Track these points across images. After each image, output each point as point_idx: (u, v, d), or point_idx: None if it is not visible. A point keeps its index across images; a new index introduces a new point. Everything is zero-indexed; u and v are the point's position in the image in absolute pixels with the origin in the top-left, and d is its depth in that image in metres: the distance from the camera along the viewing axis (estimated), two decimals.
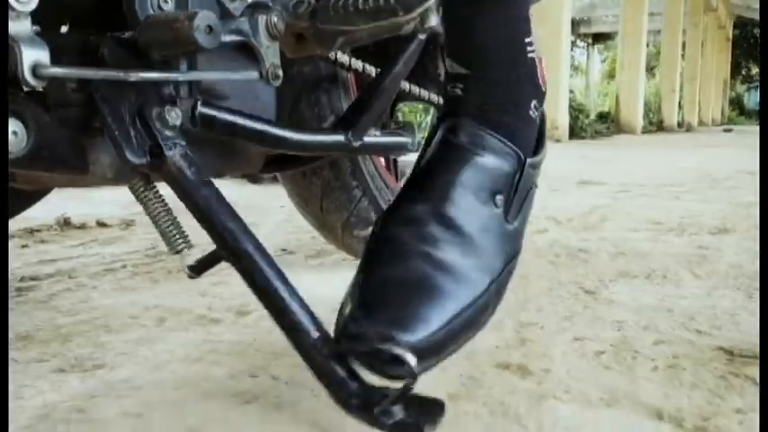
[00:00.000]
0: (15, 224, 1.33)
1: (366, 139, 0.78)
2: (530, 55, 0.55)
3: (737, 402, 0.55)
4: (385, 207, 0.97)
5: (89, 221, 1.44)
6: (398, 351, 0.42)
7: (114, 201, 1.77)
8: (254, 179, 2.23)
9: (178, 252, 0.53)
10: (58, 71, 0.44)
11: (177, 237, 0.53)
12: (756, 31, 14.37)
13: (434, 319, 0.45)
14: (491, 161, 0.52)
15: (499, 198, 0.51)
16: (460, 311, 0.46)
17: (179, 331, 0.74)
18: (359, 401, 0.44)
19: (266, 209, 1.71)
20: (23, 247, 1.22)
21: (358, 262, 1.12)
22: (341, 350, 0.45)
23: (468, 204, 0.50)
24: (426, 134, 0.56)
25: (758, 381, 0.58)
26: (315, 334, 0.47)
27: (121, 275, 1.00)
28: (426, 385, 0.47)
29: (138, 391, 0.58)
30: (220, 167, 0.78)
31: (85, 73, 0.47)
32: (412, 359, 0.41)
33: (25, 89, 0.43)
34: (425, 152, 0.55)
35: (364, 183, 0.93)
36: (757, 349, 0.66)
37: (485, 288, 0.48)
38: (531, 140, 0.56)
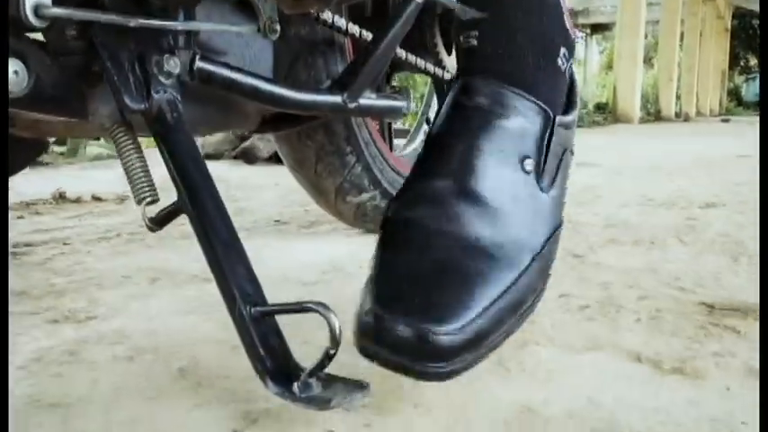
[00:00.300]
0: (11, 198, 1.34)
1: (361, 101, 0.79)
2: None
3: (715, 347, 0.56)
4: (378, 174, 0.98)
5: (84, 196, 1.45)
6: (435, 344, 0.35)
7: (110, 179, 1.78)
8: (249, 160, 2.24)
9: (141, 202, 0.52)
10: (59, 12, 0.45)
11: (145, 187, 0.52)
12: (755, 21, 14.35)
13: (472, 306, 0.38)
14: (515, 121, 0.45)
15: (528, 162, 0.45)
16: (501, 295, 0.39)
17: (171, 289, 0.75)
18: (281, 375, 0.42)
19: (261, 186, 1.71)
20: (19, 218, 1.23)
21: (351, 230, 1.12)
22: (366, 353, 0.38)
23: (494, 173, 0.44)
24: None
25: (737, 330, 0.60)
26: (250, 303, 0.44)
27: (116, 242, 1.01)
28: None
29: (129, 338, 0.59)
30: (219, 122, 0.78)
31: (87, 15, 0.47)
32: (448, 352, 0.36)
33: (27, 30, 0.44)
34: (437, 120, 0.49)
35: (358, 149, 0.94)
36: (738, 303, 0.68)
37: (526, 266, 0.41)
38: (561, 96, 0.49)
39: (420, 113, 1.31)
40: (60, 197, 1.42)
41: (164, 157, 0.50)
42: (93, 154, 2.44)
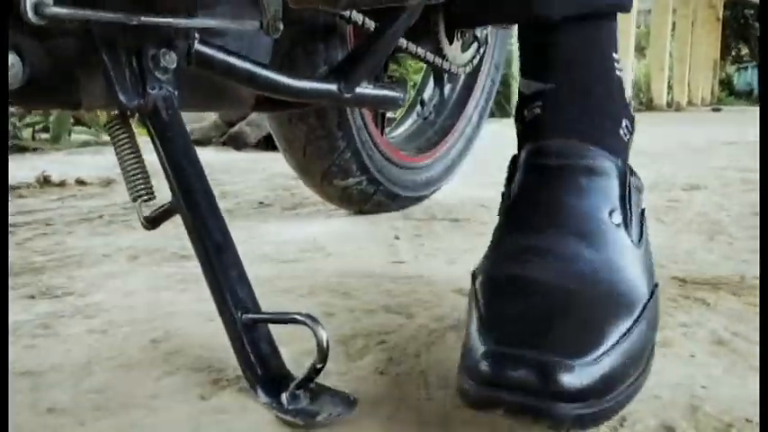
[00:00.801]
0: None
1: (358, 90, 0.79)
2: (617, 72, 0.50)
3: (684, 318, 0.57)
4: (367, 160, 0.97)
5: (69, 179, 1.44)
6: (564, 377, 0.32)
7: (96, 164, 1.78)
8: (237, 146, 2.24)
9: (137, 200, 0.51)
10: (60, 11, 0.44)
11: (141, 185, 0.51)
12: (747, 11, 14.37)
13: (599, 343, 0.35)
14: (598, 175, 0.45)
15: (616, 215, 0.44)
16: (623, 336, 0.36)
17: (150, 266, 0.75)
18: (270, 384, 0.42)
19: (247, 170, 1.71)
20: None
21: (334, 210, 1.12)
22: (483, 402, 0.34)
23: (590, 224, 0.43)
24: (507, 172, 0.49)
25: (707, 302, 0.61)
26: (242, 309, 0.44)
27: (97, 223, 1.01)
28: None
29: (105, 312, 0.59)
30: (215, 102, 0.78)
31: (87, 14, 0.46)
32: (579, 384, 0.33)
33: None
34: (511, 188, 0.47)
35: (349, 135, 0.94)
36: (710, 277, 0.68)
37: (639, 313, 0.39)
38: (626, 161, 0.48)
39: (414, 93, 1.30)
40: (44, 181, 1.42)
41: (158, 154, 0.49)
42: (80, 140, 2.43)
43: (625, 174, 0.46)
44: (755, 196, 1.25)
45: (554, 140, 0.47)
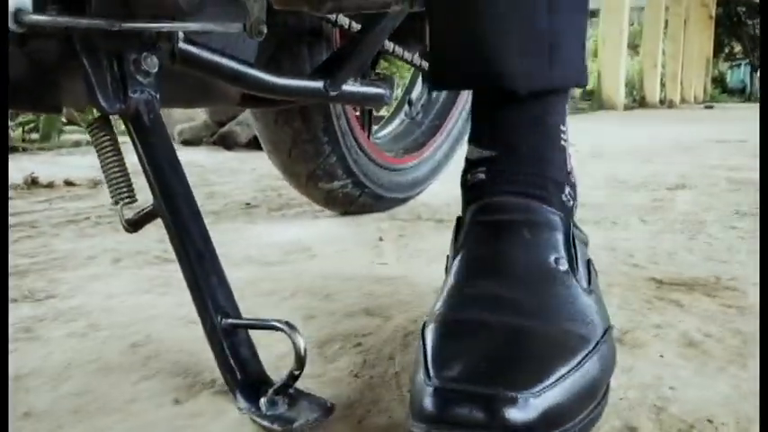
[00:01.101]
0: None
1: (344, 87, 0.79)
2: (562, 143, 0.51)
3: (657, 320, 0.58)
4: (353, 164, 0.98)
5: (57, 181, 1.44)
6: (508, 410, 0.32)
7: (85, 165, 1.78)
8: (227, 145, 2.24)
9: (118, 202, 0.51)
10: (40, 18, 0.44)
11: (123, 187, 0.51)
12: (739, 9, 14.41)
13: (543, 377, 0.35)
14: (539, 228, 0.46)
15: (562, 262, 0.44)
16: (569, 372, 0.36)
17: (133, 269, 0.76)
18: (249, 390, 0.42)
19: (237, 170, 1.72)
20: None
21: (321, 211, 1.12)
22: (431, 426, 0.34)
23: (534, 273, 0.43)
24: (451, 241, 0.50)
25: (681, 304, 0.62)
26: (222, 314, 0.44)
27: (83, 225, 1.02)
28: None
29: (86, 316, 0.60)
30: (200, 98, 0.78)
31: (68, 21, 0.46)
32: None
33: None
34: (457, 245, 0.48)
35: (335, 139, 0.94)
36: (686, 278, 0.69)
37: (590, 349, 0.38)
38: (569, 222, 0.49)
39: (402, 93, 1.31)
40: (32, 182, 1.42)
41: (140, 159, 0.49)
42: (71, 140, 2.42)
43: (569, 226, 0.47)
44: (740, 196, 1.26)
45: (496, 198, 0.48)
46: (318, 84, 0.77)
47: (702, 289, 0.66)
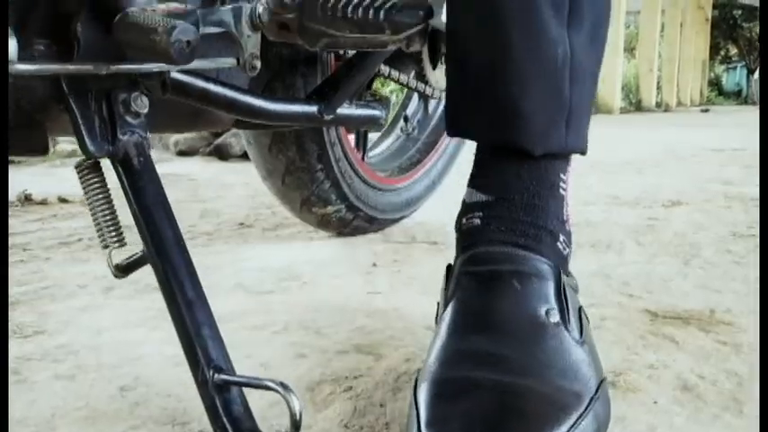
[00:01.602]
0: None
1: (338, 111, 0.78)
2: (560, 191, 0.51)
3: (651, 358, 0.57)
4: (346, 189, 0.97)
5: (50, 197, 1.44)
6: None
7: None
8: (222, 156, 2.23)
9: (107, 247, 0.50)
10: (26, 68, 0.43)
11: (111, 231, 0.50)
12: (735, 12, 14.45)
13: None
14: (528, 278, 0.45)
15: (553, 314, 0.44)
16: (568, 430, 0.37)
17: (125, 300, 0.75)
18: None
19: (231, 184, 1.71)
20: None
21: (315, 232, 1.10)
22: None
23: (525, 327, 0.43)
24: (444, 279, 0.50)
25: (676, 340, 0.61)
26: (214, 368, 0.43)
27: (76, 248, 1.01)
28: None
29: (74, 355, 0.59)
30: (192, 123, 0.77)
31: (55, 68, 0.45)
32: None
33: None
34: (447, 295, 0.48)
35: (328, 166, 0.94)
36: (681, 311, 0.69)
37: (585, 406, 0.38)
38: (563, 269, 0.48)
39: (398, 108, 1.30)
40: (26, 199, 1.41)
41: (129, 202, 0.48)
42: (66, 151, 2.41)
43: (559, 275, 0.46)
44: (736, 214, 1.26)
45: (487, 248, 0.47)
46: (313, 108, 0.76)
47: (697, 323, 0.65)
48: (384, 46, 0.54)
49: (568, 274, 0.50)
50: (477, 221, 0.49)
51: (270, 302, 0.74)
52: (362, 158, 1.04)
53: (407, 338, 0.62)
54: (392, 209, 1.09)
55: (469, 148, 1.27)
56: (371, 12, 0.52)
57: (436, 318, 0.48)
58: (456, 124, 0.54)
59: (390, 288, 0.79)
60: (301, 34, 0.57)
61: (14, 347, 0.61)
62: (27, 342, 0.62)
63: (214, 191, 1.62)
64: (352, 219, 1.01)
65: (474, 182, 0.52)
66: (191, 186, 1.72)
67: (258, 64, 0.56)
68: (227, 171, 2.00)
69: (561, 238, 0.49)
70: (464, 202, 0.52)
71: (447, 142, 1.25)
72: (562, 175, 0.51)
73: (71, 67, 0.46)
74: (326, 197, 0.95)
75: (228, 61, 0.57)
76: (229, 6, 0.53)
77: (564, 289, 0.46)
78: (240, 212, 1.30)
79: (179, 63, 0.43)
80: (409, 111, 1.28)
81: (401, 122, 1.27)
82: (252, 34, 0.55)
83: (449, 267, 0.50)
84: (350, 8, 0.53)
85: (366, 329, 0.65)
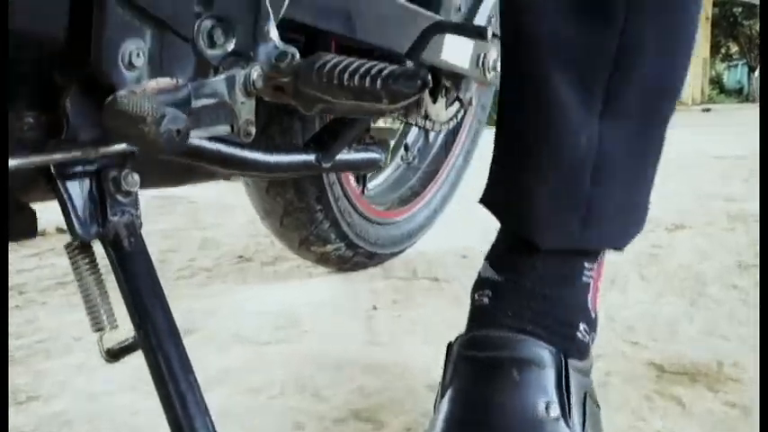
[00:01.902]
0: None
1: (336, 157, 0.77)
2: (584, 279, 0.49)
3: (658, 425, 0.56)
4: (346, 228, 0.95)
5: (49, 228, 1.43)
6: None
7: None
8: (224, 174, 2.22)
9: (98, 330, 0.48)
10: (12, 163, 0.42)
11: (103, 314, 0.48)
12: (735, 9, 14.42)
13: None
14: (528, 366, 0.43)
15: (553, 408, 0.43)
16: None
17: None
18: None
19: (231, 207, 1.70)
20: None
21: (314, 268, 1.08)
22: None
23: (522, 426, 0.42)
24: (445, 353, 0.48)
25: (682, 402, 0.60)
26: None
27: (72, 290, 1.00)
28: None
29: (68, 425, 0.58)
30: (185, 179, 0.76)
31: (43, 159, 0.44)
32: None
33: None
34: (445, 381, 0.46)
35: (327, 206, 0.93)
36: (688, 364, 0.67)
37: None
38: (576, 345, 0.47)
39: (399, 136, 1.29)
40: None
41: (120, 285, 0.47)
42: None
43: (561, 362, 0.44)
44: (739, 237, 1.24)
45: (488, 331, 0.46)
46: (311, 157, 0.75)
47: (705, 380, 0.64)
48: (382, 114, 0.53)
49: (585, 358, 0.48)
50: (486, 300, 0.48)
51: (267, 355, 0.73)
52: (362, 192, 1.03)
53: (408, 402, 0.61)
54: (392, 242, 1.08)
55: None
56: (368, 80, 0.51)
57: (435, 405, 0.47)
58: (483, 194, 0.52)
59: (391, 337, 0.78)
60: (296, 98, 0.56)
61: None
62: (20, 411, 0.61)
63: (214, 216, 1.61)
64: (352, 256, 0.99)
65: (491, 256, 0.51)
66: (190, 210, 1.71)
67: (253, 130, 0.55)
68: (227, 191, 1.98)
69: (581, 326, 0.47)
70: (479, 274, 0.51)
71: (447, 172, 1.24)
72: (587, 264, 0.49)
73: (58, 157, 0.44)
74: (326, 236, 0.94)
75: (223, 129, 0.55)
76: (222, 76, 0.52)
77: (567, 377, 0.44)
78: (240, 243, 1.29)
79: (169, 153, 0.41)
80: (409, 139, 1.27)
81: (401, 151, 1.26)
82: (246, 101, 0.54)
83: (449, 345, 0.48)
84: (346, 75, 0.52)
85: (365, 391, 0.63)
